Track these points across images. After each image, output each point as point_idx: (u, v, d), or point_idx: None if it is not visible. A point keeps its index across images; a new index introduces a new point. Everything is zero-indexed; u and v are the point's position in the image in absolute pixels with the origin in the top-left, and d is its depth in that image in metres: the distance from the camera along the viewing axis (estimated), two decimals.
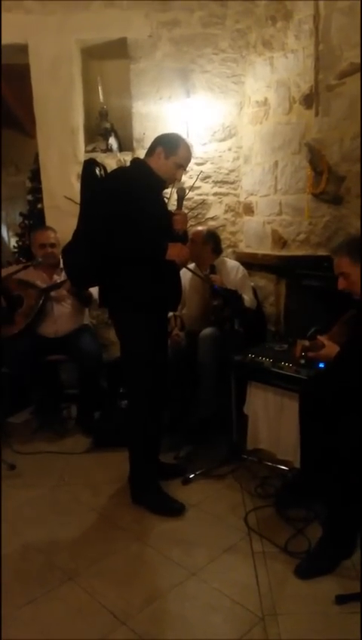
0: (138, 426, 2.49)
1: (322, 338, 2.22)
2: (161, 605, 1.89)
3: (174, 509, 2.45)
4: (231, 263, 3.36)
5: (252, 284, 3.48)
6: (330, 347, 2.15)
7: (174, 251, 2.31)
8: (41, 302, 3.34)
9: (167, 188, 2.51)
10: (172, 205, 2.58)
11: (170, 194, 2.76)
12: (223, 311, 2.84)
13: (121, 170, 2.50)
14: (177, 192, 2.45)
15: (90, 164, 2.40)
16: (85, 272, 2.41)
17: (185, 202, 2.61)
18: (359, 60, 2.80)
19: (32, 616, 1.86)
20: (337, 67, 2.95)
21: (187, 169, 2.51)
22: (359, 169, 2.90)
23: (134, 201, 2.23)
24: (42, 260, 3.38)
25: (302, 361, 2.49)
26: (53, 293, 3.38)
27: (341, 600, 1.85)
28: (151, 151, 2.39)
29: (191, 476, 2.75)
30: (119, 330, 2.48)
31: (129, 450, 2.55)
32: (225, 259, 3.42)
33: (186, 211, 2.84)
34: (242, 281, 3.25)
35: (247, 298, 3.17)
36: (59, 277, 3.42)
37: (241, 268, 3.32)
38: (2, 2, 3.54)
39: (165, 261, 2.31)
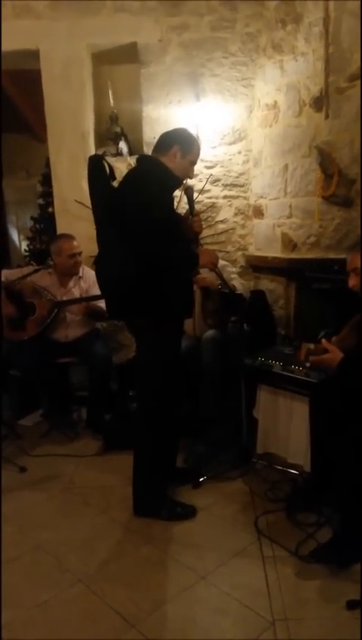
0: (147, 433, 2.43)
1: (326, 343, 2.19)
2: (170, 609, 1.89)
3: (187, 513, 2.44)
4: None
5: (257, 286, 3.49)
6: (333, 352, 2.13)
7: (206, 258, 2.26)
8: (53, 314, 3.36)
9: (180, 187, 2.42)
10: (182, 208, 2.57)
11: (179, 195, 2.74)
12: (223, 313, 2.83)
13: (142, 173, 2.27)
14: (186, 193, 2.42)
15: (97, 160, 2.26)
16: (124, 283, 2.20)
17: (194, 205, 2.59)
18: None
19: (42, 618, 1.86)
20: (347, 70, 2.94)
21: (196, 172, 2.47)
22: None
23: (164, 208, 2.15)
24: (68, 268, 3.41)
25: (307, 364, 2.47)
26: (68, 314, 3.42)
27: (352, 605, 1.83)
28: (165, 149, 2.28)
29: (202, 480, 2.74)
30: (141, 339, 2.38)
31: (134, 460, 2.49)
32: None
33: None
34: (224, 270, 3.20)
35: (239, 285, 3.17)
36: (74, 285, 3.45)
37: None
38: (13, 8, 3.58)
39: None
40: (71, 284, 3.47)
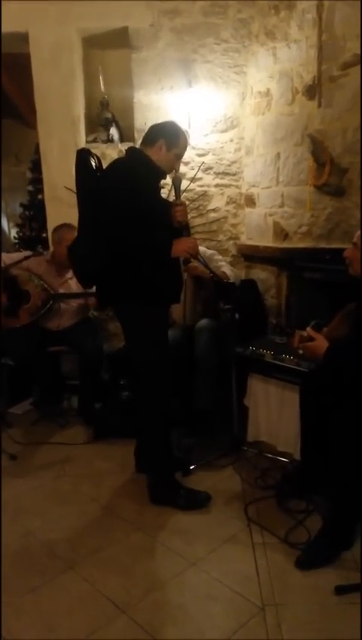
0: (148, 419, 2.45)
1: (311, 332, 2.20)
2: (161, 595, 1.91)
3: (203, 500, 2.45)
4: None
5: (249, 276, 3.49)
6: (319, 341, 2.14)
7: (182, 246, 2.26)
8: (48, 306, 3.34)
9: (165, 179, 2.46)
10: (170, 196, 2.56)
11: (170, 185, 2.74)
12: (216, 302, 2.82)
13: (122, 164, 2.37)
14: (173, 182, 2.42)
15: (83, 154, 2.31)
16: (93, 267, 2.31)
17: (185, 193, 2.59)
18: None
19: (33, 605, 1.87)
20: (340, 58, 2.92)
21: (188, 160, 2.47)
22: (361, 161, 2.89)
23: (141, 198, 2.18)
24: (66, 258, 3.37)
25: (300, 352, 2.49)
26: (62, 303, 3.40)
27: (340, 591, 1.86)
28: (151, 142, 2.32)
29: (192, 467, 2.75)
30: (125, 324, 2.43)
31: (146, 448, 2.55)
32: None
33: (187, 203, 2.81)
34: (211, 259, 3.22)
35: (229, 271, 3.17)
36: (71, 277, 3.41)
37: (203, 248, 3.26)
38: None
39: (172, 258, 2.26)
40: (68, 274, 3.44)
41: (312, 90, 3.11)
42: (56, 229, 3.47)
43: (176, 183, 2.42)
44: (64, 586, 1.96)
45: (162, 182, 2.48)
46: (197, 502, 2.44)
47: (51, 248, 3.54)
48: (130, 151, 2.44)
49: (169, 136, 2.30)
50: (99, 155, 2.40)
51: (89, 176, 2.30)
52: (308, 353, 2.21)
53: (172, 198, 2.46)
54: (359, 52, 2.80)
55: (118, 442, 3.06)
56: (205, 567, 2.04)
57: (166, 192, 3.07)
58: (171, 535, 2.25)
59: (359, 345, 2.05)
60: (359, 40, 2.80)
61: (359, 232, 2.22)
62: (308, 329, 2.22)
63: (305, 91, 3.17)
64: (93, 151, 2.36)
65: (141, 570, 2.04)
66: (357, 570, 1.97)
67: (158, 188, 2.47)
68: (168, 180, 2.53)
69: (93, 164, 2.31)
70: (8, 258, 3.38)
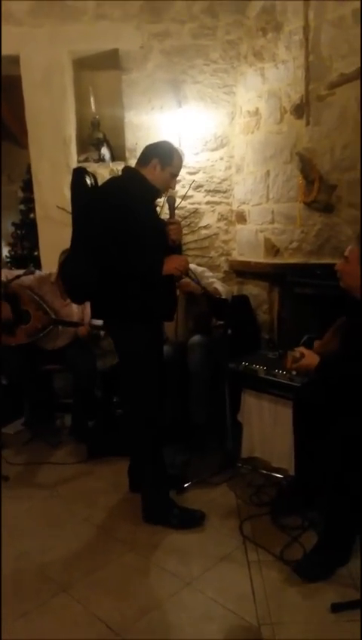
0: (141, 437, 2.43)
1: (302, 349, 2.22)
2: (156, 616, 1.87)
3: (197, 519, 2.43)
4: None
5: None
6: (309, 357, 2.15)
7: (172, 264, 2.27)
8: (47, 330, 3.32)
9: (160, 197, 2.49)
10: (164, 214, 2.58)
11: (162, 203, 2.76)
12: (208, 318, 2.83)
13: (116, 182, 2.40)
14: (168, 201, 2.44)
15: (79, 173, 2.35)
16: (84, 284, 2.29)
17: (177, 211, 2.61)
18: (349, 70, 2.83)
19: (26, 629, 1.83)
20: (327, 78, 2.98)
21: (179, 178, 2.51)
22: (350, 178, 2.93)
23: (132, 216, 2.19)
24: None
25: (294, 373, 2.50)
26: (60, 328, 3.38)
27: (337, 608, 1.84)
28: (145, 161, 2.34)
29: (186, 485, 2.73)
30: (116, 341, 2.43)
31: (139, 466, 2.52)
32: None
33: (179, 220, 2.83)
34: (203, 276, 3.23)
35: (220, 287, 3.18)
36: None
37: (194, 266, 3.28)
38: None
39: (164, 276, 2.27)
40: None
41: (300, 110, 3.17)
42: (63, 252, 3.46)
43: (170, 202, 2.44)
44: (57, 609, 1.92)
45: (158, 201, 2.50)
46: (192, 521, 2.42)
47: (56, 271, 3.50)
48: (126, 170, 2.47)
49: (162, 156, 2.32)
50: None
51: (83, 194, 2.32)
52: (301, 371, 2.23)
53: (165, 216, 2.48)
54: (345, 71, 2.86)
55: (112, 461, 3.03)
56: (200, 586, 2.01)
57: (159, 209, 3.10)
58: (166, 555, 2.22)
59: (347, 358, 2.07)
60: (344, 60, 2.86)
61: (350, 246, 2.24)
62: (297, 348, 2.24)
63: (293, 110, 3.23)
64: None
65: (135, 591, 2.01)
66: (353, 587, 1.95)
67: (153, 206, 2.48)
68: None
69: (89, 182, 2.33)
70: (10, 274, 3.37)
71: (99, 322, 3.00)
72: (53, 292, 3.41)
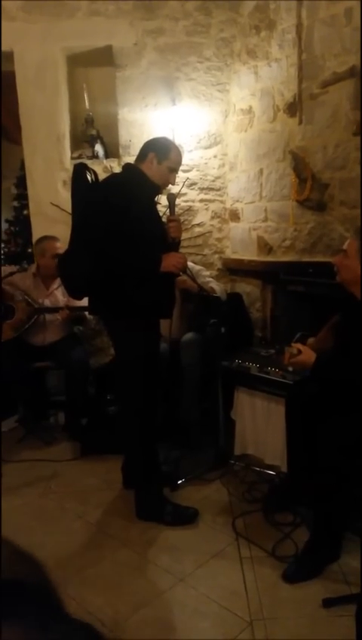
0: (135, 434, 2.44)
1: (298, 345, 2.23)
2: (149, 612, 1.89)
3: (190, 516, 2.44)
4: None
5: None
6: (306, 354, 2.16)
7: (170, 262, 2.27)
8: (32, 320, 3.33)
9: (160, 193, 2.47)
10: (162, 211, 2.57)
11: (159, 199, 2.76)
12: (202, 316, 2.84)
13: (117, 179, 2.39)
14: (168, 199, 2.44)
15: (80, 169, 2.33)
16: (84, 281, 2.30)
17: None
18: (341, 69, 2.84)
19: None
20: (320, 76, 2.99)
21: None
22: (342, 176, 2.94)
23: (132, 213, 2.19)
24: (51, 269, 3.33)
25: (290, 369, 2.51)
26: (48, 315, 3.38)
27: (328, 603, 1.86)
28: (142, 157, 2.34)
29: (179, 482, 2.74)
30: (113, 337, 2.44)
31: (133, 463, 2.54)
32: None
33: (179, 217, 2.82)
34: (199, 274, 3.24)
35: (216, 287, 3.19)
36: (57, 287, 3.42)
37: (191, 264, 3.27)
38: None
39: (162, 273, 2.27)
40: (54, 286, 3.44)
41: (293, 108, 3.18)
42: (39, 241, 3.48)
43: (171, 199, 2.44)
44: None
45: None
46: (185, 518, 2.43)
47: (35, 261, 3.53)
48: (126, 166, 2.47)
49: (159, 150, 2.32)
50: None
51: (84, 190, 2.31)
52: (297, 367, 2.24)
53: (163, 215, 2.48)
54: (337, 70, 2.87)
55: (105, 458, 3.04)
56: (193, 582, 2.03)
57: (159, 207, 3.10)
58: (159, 551, 2.24)
59: (343, 356, 2.08)
60: (337, 59, 2.87)
61: (349, 240, 2.24)
62: (294, 344, 2.24)
63: (286, 109, 3.23)
64: None
65: (129, 587, 2.03)
66: (344, 582, 1.97)
67: (153, 203, 2.47)
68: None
69: (90, 178, 2.32)
70: (4, 271, 3.38)
71: (81, 304, 3.01)
72: (36, 283, 3.45)
